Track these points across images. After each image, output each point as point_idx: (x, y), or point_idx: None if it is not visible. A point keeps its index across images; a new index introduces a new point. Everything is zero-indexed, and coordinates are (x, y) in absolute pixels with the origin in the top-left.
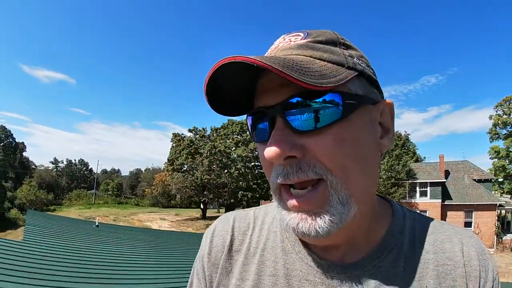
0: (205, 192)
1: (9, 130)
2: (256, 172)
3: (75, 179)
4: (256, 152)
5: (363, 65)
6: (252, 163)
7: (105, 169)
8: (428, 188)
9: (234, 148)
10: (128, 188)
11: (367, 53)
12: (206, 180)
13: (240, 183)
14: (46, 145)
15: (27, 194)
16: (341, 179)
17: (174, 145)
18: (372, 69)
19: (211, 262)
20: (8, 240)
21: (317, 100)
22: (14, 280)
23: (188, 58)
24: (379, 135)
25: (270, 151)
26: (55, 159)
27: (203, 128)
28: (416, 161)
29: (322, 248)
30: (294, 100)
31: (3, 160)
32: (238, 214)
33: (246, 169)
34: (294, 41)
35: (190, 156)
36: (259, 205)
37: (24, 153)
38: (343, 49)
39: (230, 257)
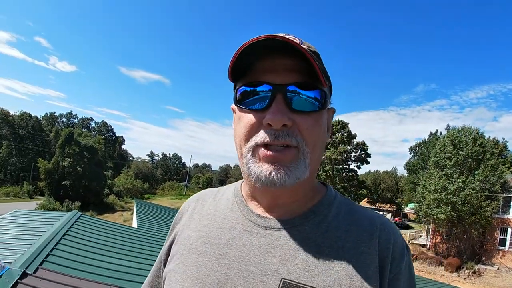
0: None
1: (110, 125)
2: (344, 175)
3: (169, 171)
4: (345, 155)
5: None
6: (340, 166)
7: (196, 164)
8: None
9: None
10: (217, 183)
11: (464, 47)
12: None
13: None
14: (143, 139)
15: (125, 182)
16: (310, 150)
17: None
18: None
19: (177, 219)
20: (127, 227)
21: (310, 91)
22: (133, 261)
23: None
24: (326, 129)
25: (276, 116)
26: (151, 152)
27: None
28: None
29: (263, 208)
30: (295, 86)
31: (104, 152)
32: (209, 189)
33: (334, 172)
34: (295, 41)
35: None
36: None
37: (123, 146)
38: (321, 61)
39: (191, 217)
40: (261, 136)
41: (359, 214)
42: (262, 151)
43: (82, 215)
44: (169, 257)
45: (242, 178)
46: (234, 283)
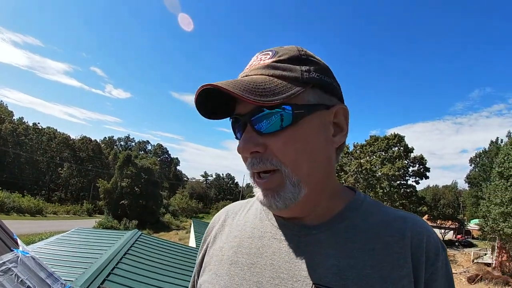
0: None
1: (165, 148)
2: (402, 191)
3: (222, 191)
4: (403, 170)
5: (319, 77)
6: (398, 182)
7: (249, 183)
8: None
9: (379, 166)
10: None
11: None
12: None
13: (385, 203)
14: (197, 160)
15: (180, 202)
16: (291, 169)
17: None
18: (331, 79)
19: (208, 232)
20: (186, 246)
21: (273, 111)
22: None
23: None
24: (331, 133)
25: (240, 146)
26: (205, 172)
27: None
28: None
29: (290, 216)
30: (258, 110)
31: (160, 172)
32: (238, 201)
33: (392, 188)
34: (263, 61)
35: (335, 174)
36: None
37: (177, 167)
38: (302, 65)
39: (222, 229)
40: (247, 166)
41: (390, 215)
42: (256, 179)
43: (142, 235)
44: (202, 268)
45: None
46: None
